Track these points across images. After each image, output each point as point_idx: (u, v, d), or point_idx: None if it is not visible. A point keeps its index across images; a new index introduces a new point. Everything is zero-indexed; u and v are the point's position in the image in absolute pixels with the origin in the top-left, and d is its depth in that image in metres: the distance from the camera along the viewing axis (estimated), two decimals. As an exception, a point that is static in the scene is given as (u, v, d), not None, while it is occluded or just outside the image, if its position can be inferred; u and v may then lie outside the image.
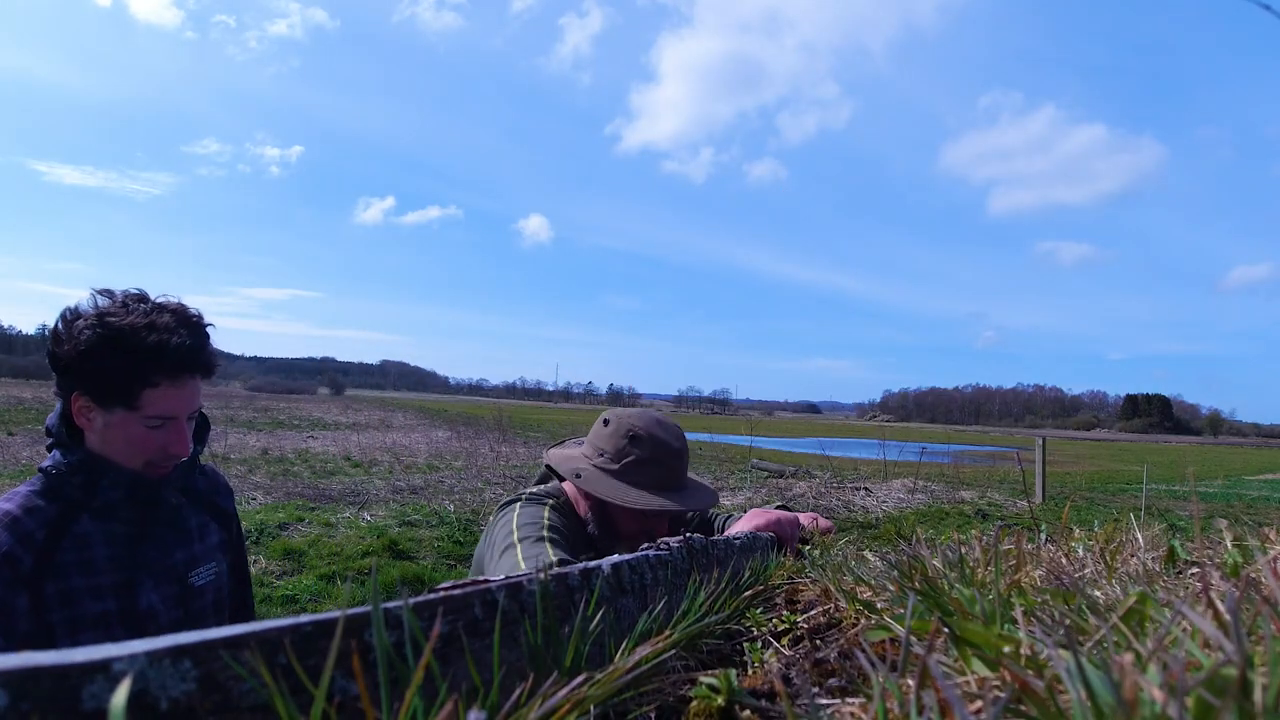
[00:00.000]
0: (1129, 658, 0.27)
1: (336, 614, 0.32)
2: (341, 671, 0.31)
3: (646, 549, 0.92)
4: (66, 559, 1.49)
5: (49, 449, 1.61)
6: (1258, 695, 0.22)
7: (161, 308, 1.58)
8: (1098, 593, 0.54)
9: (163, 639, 0.26)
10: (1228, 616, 0.27)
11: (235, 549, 1.92)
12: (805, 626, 0.78)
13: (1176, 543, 0.69)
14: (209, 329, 1.65)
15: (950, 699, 0.26)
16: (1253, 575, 0.45)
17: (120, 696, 0.22)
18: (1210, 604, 0.33)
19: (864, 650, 0.40)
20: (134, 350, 1.51)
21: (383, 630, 0.33)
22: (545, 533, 1.82)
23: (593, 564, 0.68)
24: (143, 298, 1.60)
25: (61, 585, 1.47)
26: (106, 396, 1.53)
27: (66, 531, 1.51)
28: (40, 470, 1.58)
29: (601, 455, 2.04)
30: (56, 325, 1.54)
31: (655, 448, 1.99)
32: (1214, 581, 0.38)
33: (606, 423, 2.13)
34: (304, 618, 0.32)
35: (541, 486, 2.15)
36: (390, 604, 0.38)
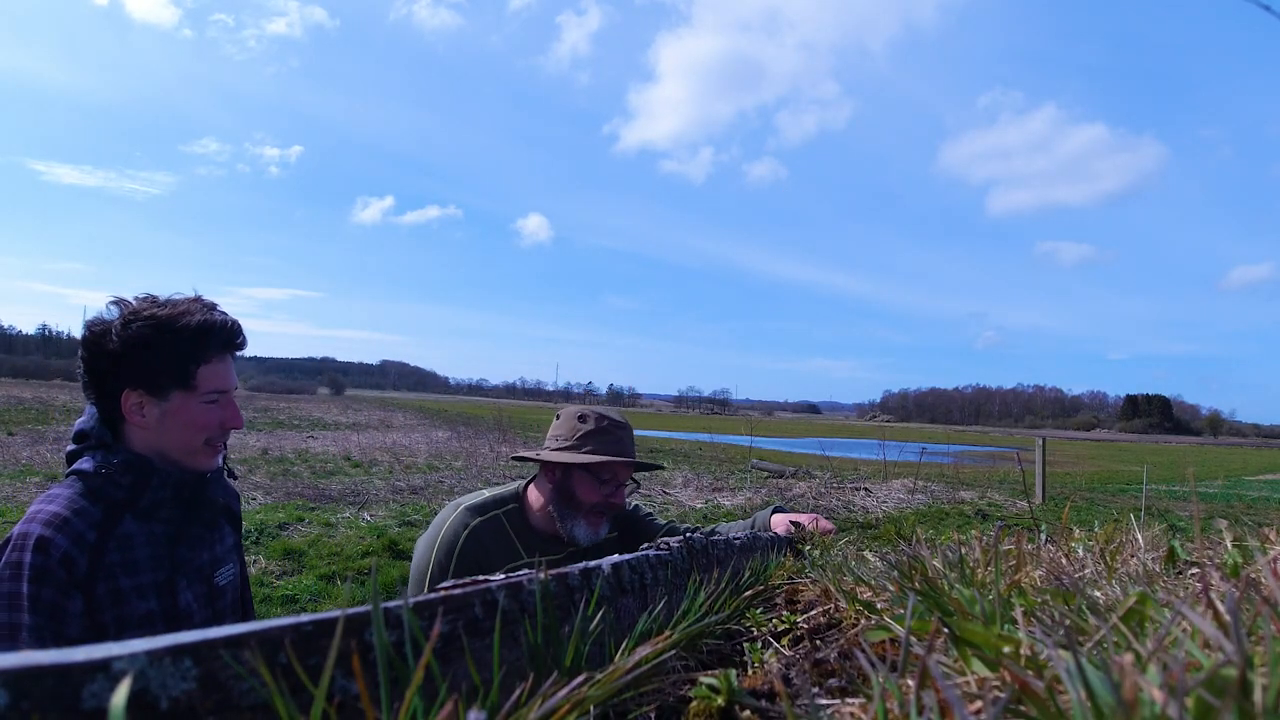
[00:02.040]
0: (1129, 658, 0.26)
1: (337, 614, 0.32)
2: (342, 671, 0.31)
3: (646, 549, 0.92)
4: (113, 559, 1.53)
5: (77, 454, 1.65)
6: (1258, 695, 0.22)
7: (189, 299, 1.70)
8: (1098, 593, 0.54)
9: (162, 638, 0.26)
10: (1228, 617, 0.27)
11: (242, 552, 1.99)
12: (805, 627, 0.78)
13: (1176, 543, 0.69)
14: (240, 328, 1.79)
15: (950, 699, 0.26)
16: (1253, 575, 0.45)
17: (120, 696, 0.22)
18: (1210, 604, 0.33)
19: (864, 650, 0.40)
20: (185, 331, 1.62)
21: (383, 630, 0.33)
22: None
23: (593, 564, 0.67)
24: (158, 299, 1.69)
25: (111, 585, 1.51)
26: (162, 383, 1.62)
27: (112, 533, 1.55)
28: (76, 473, 1.61)
29: (556, 439, 2.32)
30: (94, 331, 1.61)
31: (601, 420, 2.29)
32: (1214, 582, 0.38)
33: (558, 416, 2.43)
34: (304, 617, 0.32)
35: (496, 493, 2.36)
36: (390, 604, 0.38)
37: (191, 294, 1.73)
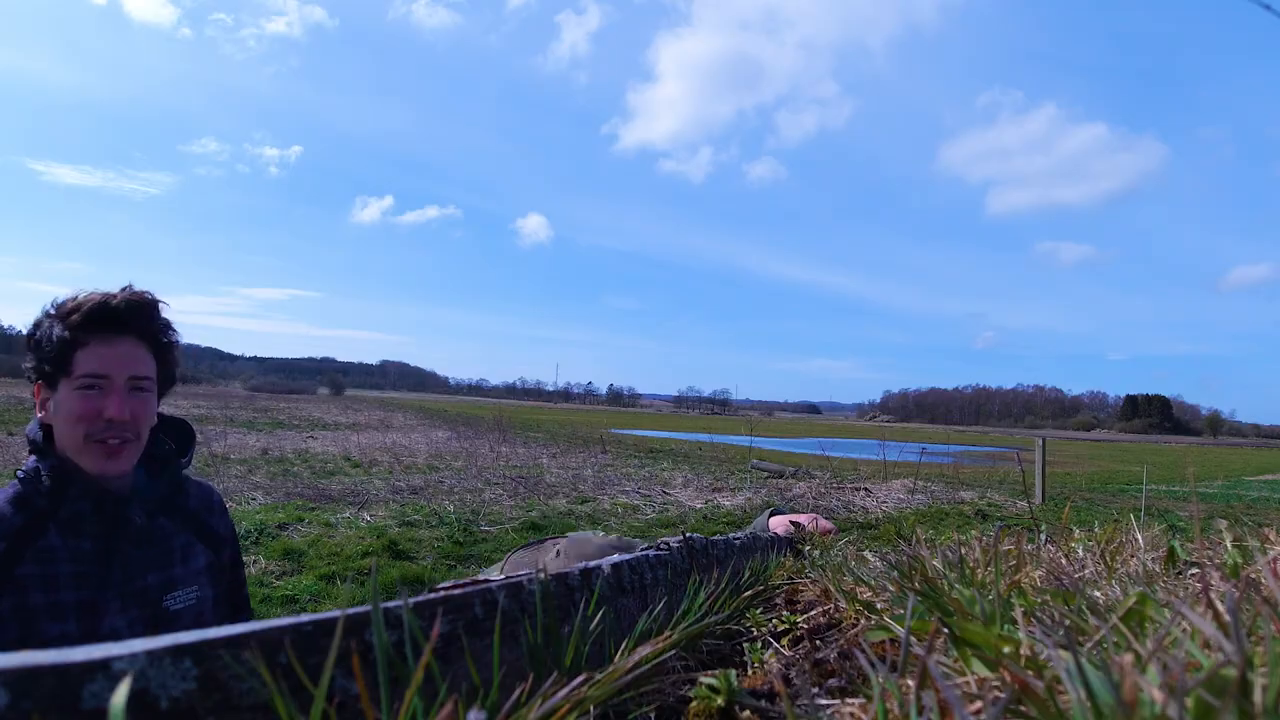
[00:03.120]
0: (1129, 658, 0.26)
1: (336, 614, 0.32)
2: (341, 671, 0.31)
3: (646, 549, 0.92)
4: (27, 572, 1.43)
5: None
6: (1257, 696, 0.22)
7: (106, 292, 1.59)
8: (1097, 593, 0.54)
9: (163, 638, 0.26)
10: (1228, 617, 0.26)
11: (230, 572, 1.82)
12: (805, 627, 0.78)
13: (1176, 543, 0.69)
14: (159, 304, 1.63)
15: (950, 699, 0.26)
16: (1252, 576, 0.45)
17: (120, 696, 0.22)
18: (1210, 604, 0.33)
19: (864, 651, 0.40)
20: (69, 314, 1.52)
21: (383, 630, 0.33)
22: None
23: (593, 564, 0.68)
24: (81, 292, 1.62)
25: (18, 601, 1.41)
26: (50, 371, 1.52)
27: (31, 544, 1.45)
28: (16, 477, 1.55)
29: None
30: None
31: None
32: (1214, 582, 0.38)
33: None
34: (304, 617, 0.32)
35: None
36: (390, 604, 0.38)
37: (130, 288, 1.62)
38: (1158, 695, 0.24)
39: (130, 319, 1.57)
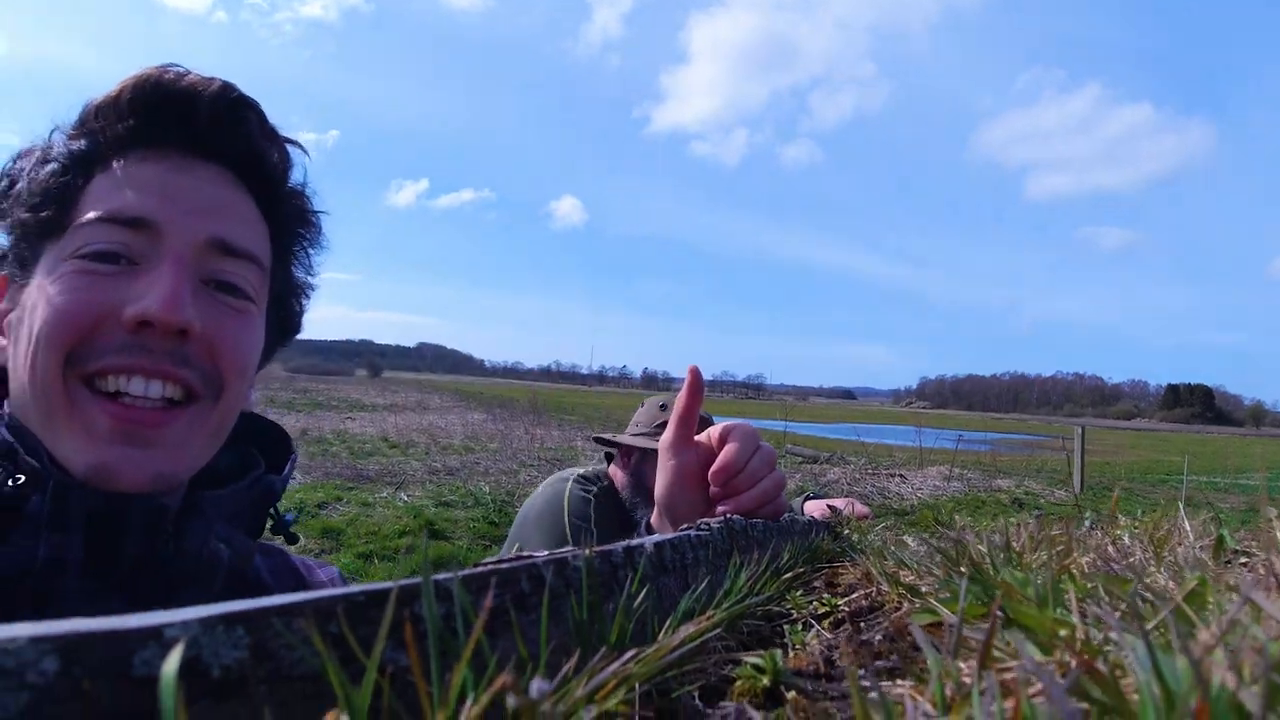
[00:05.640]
0: (1203, 639, 0.26)
1: (390, 585, 0.32)
2: (393, 643, 0.31)
3: (686, 529, 0.92)
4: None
5: None
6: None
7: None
8: (1148, 579, 0.53)
9: (216, 606, 0.26)
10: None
11: None
12: (847, 610, 0.78)
13: (1225, 532, 0.67)
14: (253, 104, 0.84)
15: (1017, 678, 0.26)
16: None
17: (172, 664, 0.22)
18: (1274, 589, 0.32)
19: (916, 632, 0.39)
20: (84, 117, 0.80)
21: (433, 602, 0.33)
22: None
23: (635, 542, 0.67)
24: None
25: None
26: (27, 241, 0.79)
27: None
28: None
29: (637, 425, 2.35)
30: None
31: None
32: (1277, 566, 0.37)
33: (643, 404, 2.45)
34: (357, 588, 0.32)
35: (590, 469, 2.39)
36: (440, 576, 0.38)
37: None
38: (1230, 678, 0.23)
39: (205, 119, 0.79)
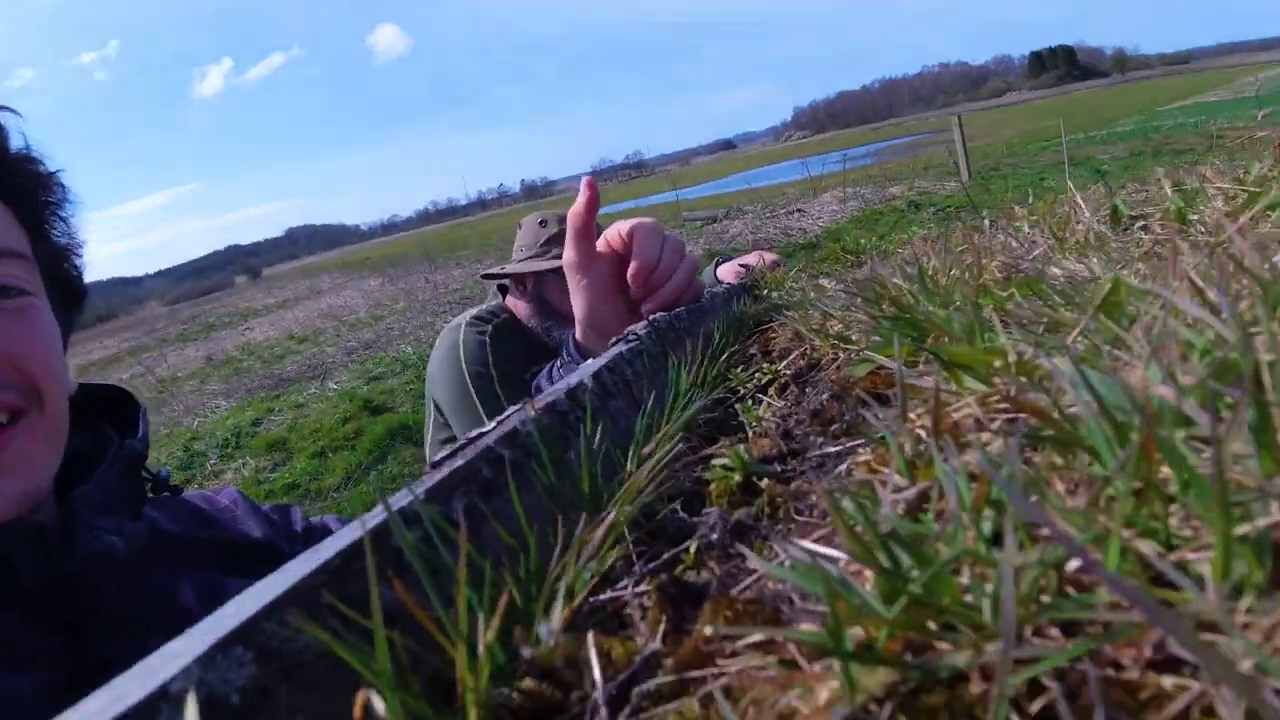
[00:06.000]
0: (1137, 370, 0.27)
1: (358, 534, 0.32)
2: (385, 586, 0.31)
3: (616, 343, 0.92)
4: None
5: None
6: (1266, 378, 0.22)
7: None
8: (1057, 270, 0.56)
9: (204, 633, 0.26)
10: (1215, 296, 0.27)
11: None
12: (788, 373, 0.81)
13: (1119, 201, 0.70)
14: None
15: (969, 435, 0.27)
16: (1220, 242, 0.46)
17: (191, 714, 0.22)
18: (1186, 278, 0.33)
19: (864, 404, 0.41)
20: None
21: (405, 533, 0.33)
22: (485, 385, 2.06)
23: (574, 380, 0.68)
24: None
25: None
26: None
27: None
28: None
29: (522, 249, 2.29)
30: None
31: (563, 221, 2.18)
32: (1183, 252, 0.39)
33: (520, 226, 2.38)
34: (326, 551, 0.31)
35: (484, 308, 2.30)
36: (399, 499, 0.38)
37: None
38: (1168, 393, 0.24)
39: None
